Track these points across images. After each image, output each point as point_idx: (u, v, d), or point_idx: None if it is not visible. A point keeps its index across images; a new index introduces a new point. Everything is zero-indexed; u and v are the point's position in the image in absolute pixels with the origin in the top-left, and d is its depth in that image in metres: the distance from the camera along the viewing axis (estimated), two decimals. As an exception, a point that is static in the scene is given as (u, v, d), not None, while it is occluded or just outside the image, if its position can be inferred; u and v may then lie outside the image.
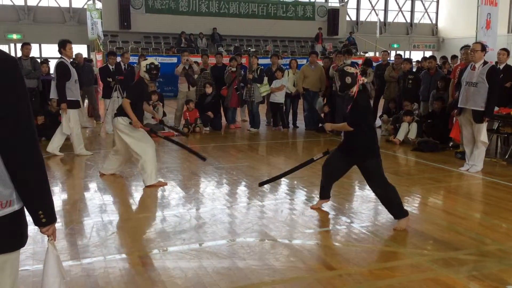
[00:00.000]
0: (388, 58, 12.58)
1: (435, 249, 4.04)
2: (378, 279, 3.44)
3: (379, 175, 4.64)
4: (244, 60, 12.96)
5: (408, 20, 31.52)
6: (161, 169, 6.90)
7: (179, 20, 22.40)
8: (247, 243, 4.11)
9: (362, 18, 30.10)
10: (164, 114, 10.41)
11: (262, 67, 11.15)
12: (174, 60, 17.76)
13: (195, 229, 4.49)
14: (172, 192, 5.87)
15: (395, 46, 29.39)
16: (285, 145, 9.69)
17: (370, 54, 23.97)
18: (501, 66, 8.17)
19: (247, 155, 8.35)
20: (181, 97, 10.76)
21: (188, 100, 10.55)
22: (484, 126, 6.82)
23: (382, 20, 29.77)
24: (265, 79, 10.78)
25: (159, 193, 5.76)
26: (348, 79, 4.57)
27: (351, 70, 4.64)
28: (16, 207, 1.77)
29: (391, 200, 4.62)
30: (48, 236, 1.95)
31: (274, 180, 5.55)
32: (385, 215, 5.01)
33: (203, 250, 3.97)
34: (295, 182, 6.30)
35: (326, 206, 5.26)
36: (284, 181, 6.45)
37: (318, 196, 5.27)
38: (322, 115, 10.69)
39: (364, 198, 5.66)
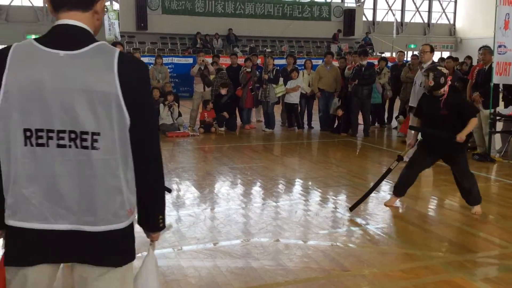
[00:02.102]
0: (404, 59, 12.49)
1: (450, 251, 4.02)
2: (391, 280, 3.43)
3: (467, 166, 4.96)
4: (259, 61, 12.98)
5: (426, 21, 31.21)
6: (176, 169, 6.96)
7: (195, 20, 22.52)
8: (261, 243, 4.13)
9: (378, 19, 29.89)
10: (180, 114, 10.49)
11: (278, 68, 11.16)
12: (190, 60, 17.83)
13: (210, 229, 4.52)
14: (187, 192, 5.91)
15: (412, 46, 29.10)
16: (299, 145, 9.68)
17: (387, 54, 23.79)
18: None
19: (262, 156, 8.37)
20: (196, 98, 10.82)
21: (206, 100, 10.60)
22: None
23: (399, 20, 29.53)
24: (281, 79, 10.79)
25: (174, 193, 5.81)
26: (442, 79, 4.68)
27: (444, 70, 4.78)
28: (135, 214, 1.74)
29: (473, 191, 4.94)
30: (153, 241, 1.87)
31: (363, 200, 5.13)
32: (400, 217, 5.00)
33: (217, 249, 4.00)
34: (310, 183, 6.30)
35: (341, 208, 5.26)
36: (298, 181, 6.46)
37: (392, 193, 5.33)
38: (336, 117, 10.65)
39: (379, 199, 5.63)
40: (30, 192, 1.58)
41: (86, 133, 1.56)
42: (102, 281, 1.66)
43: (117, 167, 1.61)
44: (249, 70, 10.99)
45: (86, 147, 1.58)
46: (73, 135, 1.57)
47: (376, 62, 11.61)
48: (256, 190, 6.05)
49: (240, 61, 12.46)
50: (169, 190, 6.39)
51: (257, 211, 5.16)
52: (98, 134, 1.57)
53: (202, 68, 10.64)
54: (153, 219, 1.78)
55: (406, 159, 5.45)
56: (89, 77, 1.55)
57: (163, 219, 1.80)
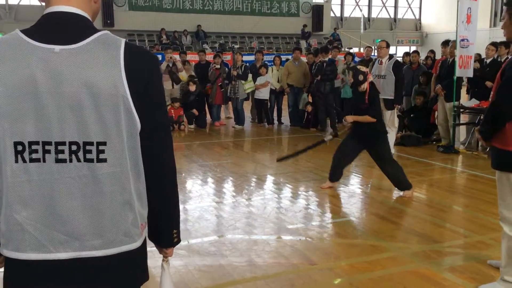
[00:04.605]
0: (372, 54, 12.65)
1: (416, 242, 4.09)
2: (358, 272, 3.47)
3: (389, 154, 5.50)
4: (228, 57, 12.93)
5: (392, 16, 31.69)
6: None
7: (163, 17, 22.29)
8: (230, 241, 4.12)
9: (346, 14, 30.19)
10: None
11: (247, 64, 11.15)
12: (158, 57, 17.64)
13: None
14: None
15: (379, 41, 29.50)
16: (270, 141, 9.70)
17: (355, 49, 24.06)
18: (488, 61, 8.30)
19: (232, 152, 8.35)
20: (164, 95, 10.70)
21: (173, 98, 10.50)
22: (395, 112, 7.67)
23: (366, 16, 29.89)
24: (250, 75, 10.78)
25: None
26: (361, 77, 5.24)
27: (363, 68, 5.34)
28: (147, 229, 1.53)
29: (399, 176, 5.36)
30: (166, 256, 1.65)
31: (292, 157, 6.30)
32: (368, 210, 5.07)
33: (187, 248, 3.96)
34: (281, 179, 6.32)
35: (311, 202, 5.30)
36: (268, 177, 6.48)
37: (328, 178, 5.74)
38: (306, 112, 10.74)
39: (347, 193, 5.70)
40: (23, 218, 1.33)
41: (91, 143, 1.32)
42: None
43: (127, 180, 1.38)
44: (218, 67, 10.95)
45: (90, 160, 1.33)
46: (74, 147, 1.32)
47: (343, 57, 11.73)
48: (226, 187, 6.03)
49: (209, 57, 12.39)
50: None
51: (227, 208, 5.14)
52: (105, 143, 1.33)
53: (170, 65, 10.54)
54: (167, 234, 1.57)
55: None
56: (92, 77, 1.30)
57: (178, 233, 1.59)
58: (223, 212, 4.97)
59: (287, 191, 5.78)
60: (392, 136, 7.70)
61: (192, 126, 10.61)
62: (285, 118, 11.28)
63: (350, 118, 5.39)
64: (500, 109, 2.96)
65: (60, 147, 1.32)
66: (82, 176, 1.35)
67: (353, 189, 5.89)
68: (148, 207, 1.50)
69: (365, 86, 5.28)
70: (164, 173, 1.50)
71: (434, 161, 7.34)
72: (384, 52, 7.74)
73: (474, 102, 8.00)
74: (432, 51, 11.65)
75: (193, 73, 11.26)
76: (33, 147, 1.32)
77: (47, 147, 1.32)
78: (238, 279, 3.36)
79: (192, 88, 10.56)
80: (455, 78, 7.75)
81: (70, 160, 1.33)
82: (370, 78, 5.37)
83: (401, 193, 5.46)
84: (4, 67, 1.30)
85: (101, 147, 1.34)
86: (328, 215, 4.88)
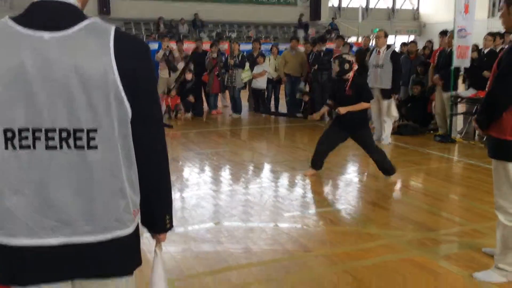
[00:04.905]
0: (370, 44, 12.60)
1: (411, 230, 4.10)
2: (352, 259, 3.48)
3: (373, 141, 5.62)
4: (226, 46, 12.84)
5: (390, 6, 31.54)
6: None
7: (160, 5, 22.08)
8: (226, 228, 4.12)
9: (344, 4, 30.03)
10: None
11: (244, 53, 11.10)
12: (155, 46, 17.52)
13: (174, 215, 4.47)
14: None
15: (377, 31, 29.39)
16: (267, 130, 9.69)
17: (352, 39, 23.98)
18: (486, 51, 8.28)
19: (229, 141, 8.34)
20: (161, 83, 10.66)
21: (169, 89, 10.47)
22: (393, 102, 7.65)
23: (364, 6, 29.73)
24: (247, 64, 10.75)
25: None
26: (347, 66, 5.34)
27: (349, 57, 5.45)
28: (139, 216, 1.53)
29: (384, 162, 5.51)
30: (159, 242, 1.67)
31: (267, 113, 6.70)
32: (363, 198, 5.08)
33: (183, 235, 3.97)
34: (278, 168, 6.32)
35: (307, 191, 5.31)
36: (265, 166, 6.48)
37: (310, 166, 5.75)
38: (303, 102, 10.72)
39: (343, 181, 5.71)
40: (14, 204, 1.34)
41: (81, 130, 1.33)
42: None
43: (118, 167, 1.39)
44: (215, 55, 10.90)
45: (81, 147, 1.34)
46: (64, 134, 1.32)
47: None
48: (223, 175, 6.03)
49: (206, 46, 12.32)
50: (171, 126, 6.65)
51: (224, 196, 5.14)
52: (95, 130, 1.33)
53: (167, 53, 10.48)
54: (160, 220, 1.59)
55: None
56: (81, 64, 1.30)
57: (171, 219, 1.61)
58: (219, 200, 4.97)
59: (284, 180, 5.79)
60: (388, 126, 7.72)
61: (189, 115, 10.57)
62: (282, 107, 11.26)
63: (343, 110, 5.33)
64: (497, 99, 2.95)
65: (50, 134, 1.32)
66: (73, 163, 1.35)
67: (350, 178, 5.90)
68: (141, 194, 1.50)
69: (350, 75, 5.36)
70: (157, 161, 1.51)
71: (431, 150, 7.35)
72: (382, 41, 7.75)
73: (471, 92, 8.00)
74: (430, 41, 11.63)
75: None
76: (23, 134, 1.32)
77: (37, 134, 1.32)
78: (233, 265, 3.37)
79: (188, 76, 10.52)
80: (452, 68, 7.73)
81: (61, 147, 1.33)
82: (355, 67, 5.44)
83: (387, 178, 5.62)
84: None
85: (91, 134, 1.34)
86: (325, 203, 4.89)
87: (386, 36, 7.83)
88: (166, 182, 1.56)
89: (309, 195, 5.24)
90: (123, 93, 1.35)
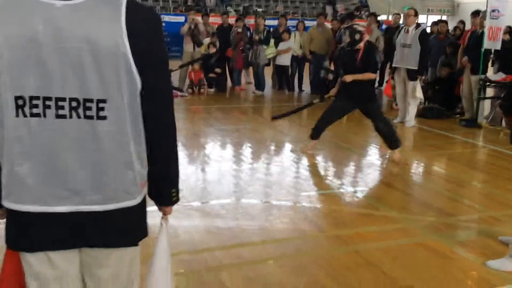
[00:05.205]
0: (400, 22, 12.29)
1: (427, 215, 4.06)
2: (365, 241, 3.48)
3: (381, 113, 5.64)
4: (252, 21, 12.69)
5: (424, -17, 30.60)
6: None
7: (188, -22, 21.91)
8: (242, 205, 4.16)
9: (376, -20, 29.27)
10: (169, 75, 10.33)
11: (269, 29, 10.96)
12: (182, 19, 17.47)
13: (192, 190, 4.52)
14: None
15: (407, 9, 28.61)
16: (289, 108, 9.60)
17: (383, 17, 23.41)
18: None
19: (251, 118, 8.34)
20: (186, 57, 10.65)
21: (193, 60, 10.43)
22: (418, 83, 7.44)
23: (396, -18, 28.91)
24: (272, 41, 10.62)
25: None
26: (357, 36, 5.28)
27: (359, 28, 5.42)
28: (146, 188, 1.56)
29: (391, 133, 5.48)
30: (165, 214, 1.68)
31: (286, 115, 6.66)
32: (383, 181, 5.04)
33: (199, 209, 4.02)
34: (297, 146, 6.29)
35: (322, 170, 5.30)
36: (286, 145, 6.48)
37: (310, 138, 5.76)
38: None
39: (364, 163, 5.66)
40: (24, 171, 1.36)
41: (91, 100, 1.33)
42: (111, 262, 1.51)
43: (127, 138, 1.40)
44: (240, 30, 10.80)
45: (90, 117, 1.35)
46: (74, 103, 1.33)
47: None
48: (243, 152, 6.04)
49: (231, 21, 12.21)
50: (181, 91, 6.83)
51: (242, 174, 5.16)
52: (105, 101, 1.34)
53: (193, 27, 10.44)
54: (166, 193, 1.59)
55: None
56: (93, 33, 1.30)
57: (177, 192, 1.62)
58: (238, 177, 5.00)
59: (304, 159, 5.76)
60: (413, 108, 7.57)
61: (212, 90, 10.57)
62: (306, 86, 11.14)
63: (349, 78, 5.29)
64: None
65: (60, 103, 1.34)
66: (82, 132, 1.36)
67: (370, 160, 5.85)
68: (148, 166, 1.52)
69: (361, 45, 5.30)
70: (165, 134, 1.51)
71: (455, 135, 7.20)
72: (411, 20, 7.52)
73: (500, 76, 7.76)
74: (462, 22, 11.27)
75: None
76: (34, 101, 1.33)
77: (47, 103, 1.33)
78: (246, 241, 3.40)
79: (213, 51, 10.47)
80: (482, 50, 7.50)
81: (70, 116, 1.35)
82: (367, 37, 5.41)
83: (389, 153, 5.62)
84: (7, 22, 1.30)
85: (101, 105, 1.35)
86: (343, 184, 4.87)
87: (416, 14, 7.60)
88: (174, 155, 1.57)
89: (328, 175, 5.23)
90: (133, 64, 1.35)
